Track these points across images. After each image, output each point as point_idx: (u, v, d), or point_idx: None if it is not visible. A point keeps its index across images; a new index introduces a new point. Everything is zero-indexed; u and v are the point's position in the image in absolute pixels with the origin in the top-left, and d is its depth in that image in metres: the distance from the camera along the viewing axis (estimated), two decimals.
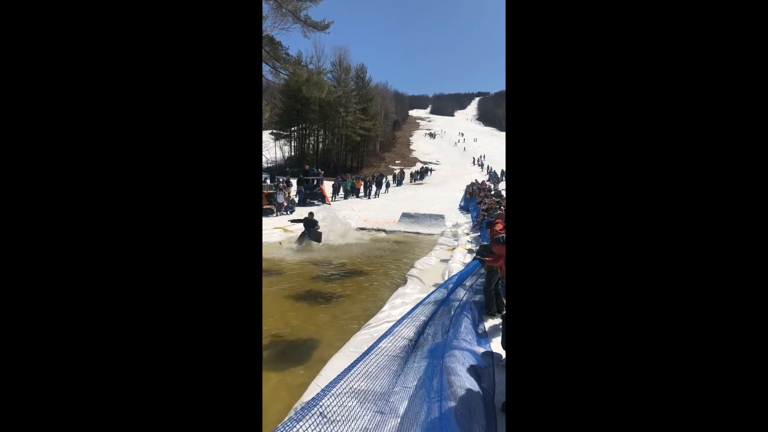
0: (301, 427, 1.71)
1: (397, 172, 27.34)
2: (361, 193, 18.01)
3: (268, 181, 15.03)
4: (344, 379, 1.74)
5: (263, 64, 12.87)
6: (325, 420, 1.88)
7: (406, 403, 2.08)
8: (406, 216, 11.77)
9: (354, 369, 1.65)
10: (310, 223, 7.80)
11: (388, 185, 20.88)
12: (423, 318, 2.93)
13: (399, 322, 2.34)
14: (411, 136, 53.82)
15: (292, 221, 8.10)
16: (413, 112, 77.24)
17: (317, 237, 7.76)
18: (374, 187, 18.78)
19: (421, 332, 2.82)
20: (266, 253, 7.15)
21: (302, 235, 7.71)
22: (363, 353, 1.73)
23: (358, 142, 32.98)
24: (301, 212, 12.50)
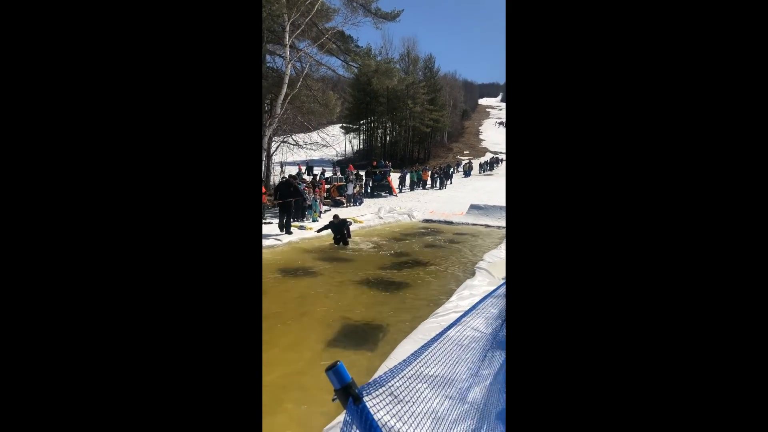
0: (371, 402, 1.79)
1: (465, 162, 26.73)
2: (428, 185, 17.92)
3: (339, 173, 15.59)
4: (414, 363, 1.78)
5: (334, 59, 13.30)
6: (395, 399, 1.94)
7: (476, 390, 2.08)
8: (474, 208, 11.51)
9: (424, 354, 1.69)
10: (336, 227, 7.39)
11: (450, 176, 20.23)
12: (493, 310, 2.87)
13: (468, 311, 2.33)
14: (480, 125, 52.16)
15: (319, 230, 7.70)
16: (483, 101, 74.63)
17: (345, 237, 7.32)
18: (442, 179, 18.59)
19: (492, 324, 2.77)
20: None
21: (335, 239, 7.37)
22: (432, 339, 1.76)
23: (426, 133, 32.75)
24: (369, 203, 12.80)
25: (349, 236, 7.46)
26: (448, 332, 2.44)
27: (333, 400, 0.93)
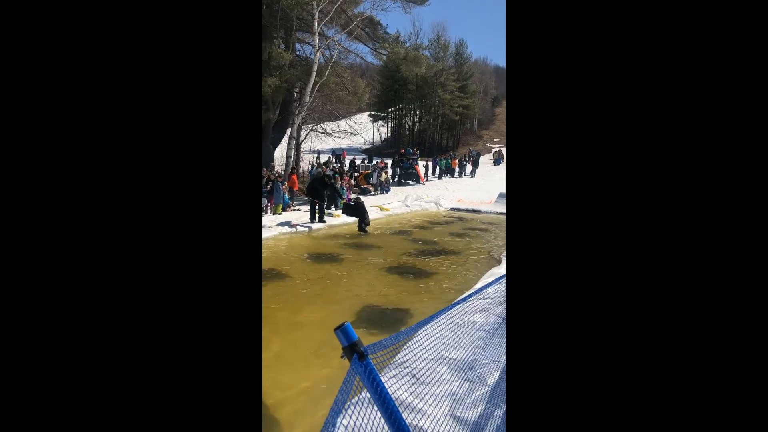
0: (394, 384, 1.85)
1: (495, 150, 26.14)
2: (456, 173, 17.68)
3: (366, 161, 15.64)
4: (420, 334, 1.81)
5: (363, 46, 13.24)
6: (416, 381, 1.99)
7: (495, 375, 2.09)
8: (503, 196, 11.28)
9: (436, 327, 1.72)
10: (357, 210, 7.78)
11: (477, 164, 19.38)
12: None
13: (481, 289, 2.33)
14: None
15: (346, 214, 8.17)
16: None
17: (362, 217, 7.68)
18: (470, 167, 18.27)
19: None
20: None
21: (359, 226, 7.73)
22: (442, 310, 1.78)
23: (455, 120, 32.18)
24: (396, 191, 12.81)
25: (365, 220, 7.62)
26: (472, 318, 2.45)
27: (342, 357, 1.00)
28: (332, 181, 8.55)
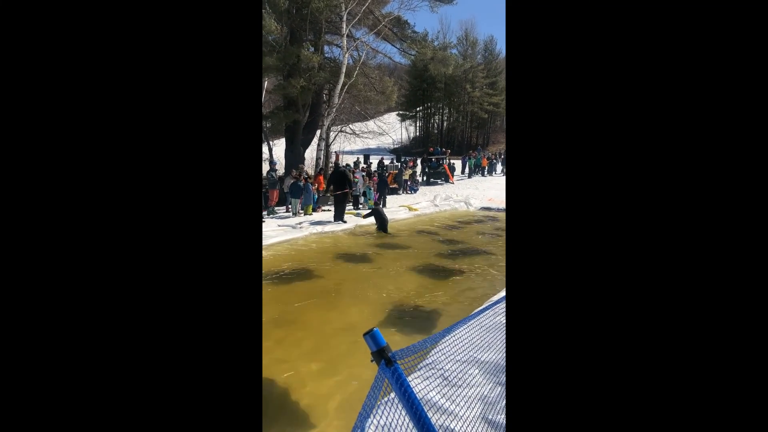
0: (424, 385, 1.83)
1: None
2: (485, 172, 17.37)
3: (394, 161, 15.65)
4: (452, 336, 1.78)
5: (390, 46, 13.25)
6: (447, 382, 1.96)
7: None
8: None
9: (466, 330, 1.69)
10: (377, 215, 7.71)
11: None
12: None
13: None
14: None
15: (365, 216, 8.05)
16: None
17: (379, 220, 7.61)
18: (500, 165, 17.91)
19: None
20: (391, 228, 7.58)
21: (378, 226, 7.68)
22: (474, 313, 1.74)
23: (485, 118, 31.69)
24: (424, 191, 12.74)
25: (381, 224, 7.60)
26: (504, 320, 2.38)
27: (371, 361, 1.02)
28: (349, 170, 8.66)
